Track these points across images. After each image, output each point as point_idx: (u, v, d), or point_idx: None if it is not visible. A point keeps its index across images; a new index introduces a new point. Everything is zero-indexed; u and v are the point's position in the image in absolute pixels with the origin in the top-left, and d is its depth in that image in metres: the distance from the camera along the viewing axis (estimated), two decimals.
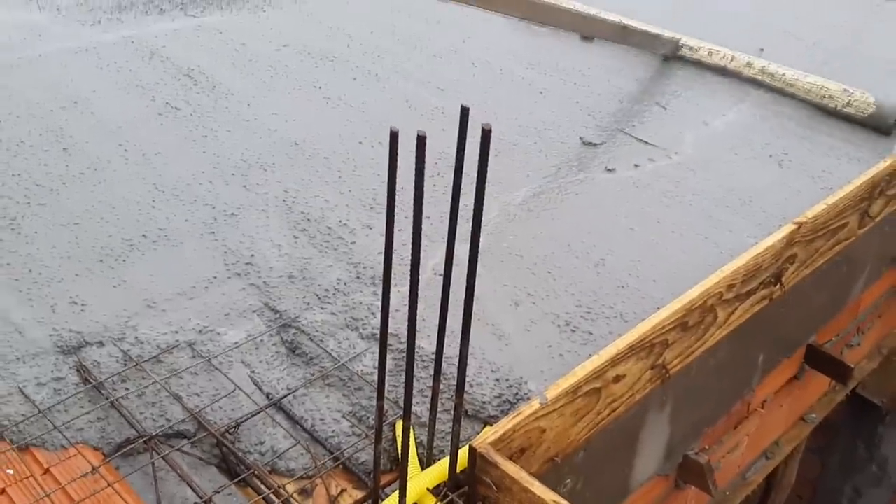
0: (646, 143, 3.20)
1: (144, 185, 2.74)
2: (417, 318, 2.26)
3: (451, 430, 1.84)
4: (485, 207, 2.68)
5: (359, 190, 2.78)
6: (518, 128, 3.29)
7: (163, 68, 3.48)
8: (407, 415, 1.68)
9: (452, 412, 1.78)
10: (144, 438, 1.92)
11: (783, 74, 3.66)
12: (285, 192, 2.75)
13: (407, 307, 2.23)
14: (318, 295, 2.34)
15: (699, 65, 3.83)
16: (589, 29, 3.76)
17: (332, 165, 2.92)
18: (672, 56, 3.90)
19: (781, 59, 4.01)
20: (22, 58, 3.48)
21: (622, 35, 3.85)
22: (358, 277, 2.40)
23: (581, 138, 3.20)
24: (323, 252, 2.50)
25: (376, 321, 2.24)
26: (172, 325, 2.22)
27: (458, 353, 1.75)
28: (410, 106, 3.37)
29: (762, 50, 4.08)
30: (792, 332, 3.04)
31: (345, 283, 2.38)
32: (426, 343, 2.16)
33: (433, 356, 1.83)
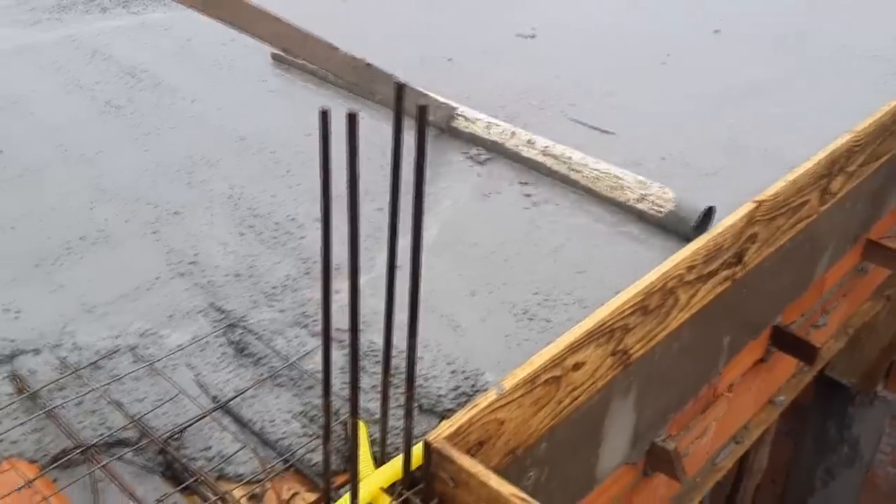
0: (601, 130, 3.14)
1: (84, 187, 2.63)
2: (371, 312, 2.20)
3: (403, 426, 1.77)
4: (438, 199, 2.63)
5: (308, 183, 2.70)
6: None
7: (104, 67, 3.37)
8: (354, 412, 1.60)
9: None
10: (82, 448, 1.82)
11: (569, 157, 2.81)
12: (231, 188, 2.66)
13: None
14: (265, 293, 2.25)
15: (473, 139, 3.04)
16: (315, 57, 2.92)
17: (281, 159, 2.82)
18: (446, 128, 3.10)
19: (737, 38, 3.99)
20: None
21: (364, 78, 2.96)
22: (307, 273, 2.32)
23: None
24: (271, 248, 2.41)
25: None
26: (113, 329, 2.12)
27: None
28: (356, 95, 3.28)
29: (718, 31, 4.06)
30: (757, 313, 3.01)
31: (294, 280, 2.29)
32: (380, 337, 2.08)
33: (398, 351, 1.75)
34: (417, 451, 1.76)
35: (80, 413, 1.90)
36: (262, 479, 1.81)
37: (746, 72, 3.70)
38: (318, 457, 1.86)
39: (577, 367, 2.08)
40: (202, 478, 1.78)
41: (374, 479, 1.74)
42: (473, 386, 2.00)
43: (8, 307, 2.14)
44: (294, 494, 1.80)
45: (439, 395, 1.99)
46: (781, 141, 3.11)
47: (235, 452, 1.85)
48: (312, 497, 1.80)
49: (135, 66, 3.40)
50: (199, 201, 2.60)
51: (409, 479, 1.76)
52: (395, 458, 1.78)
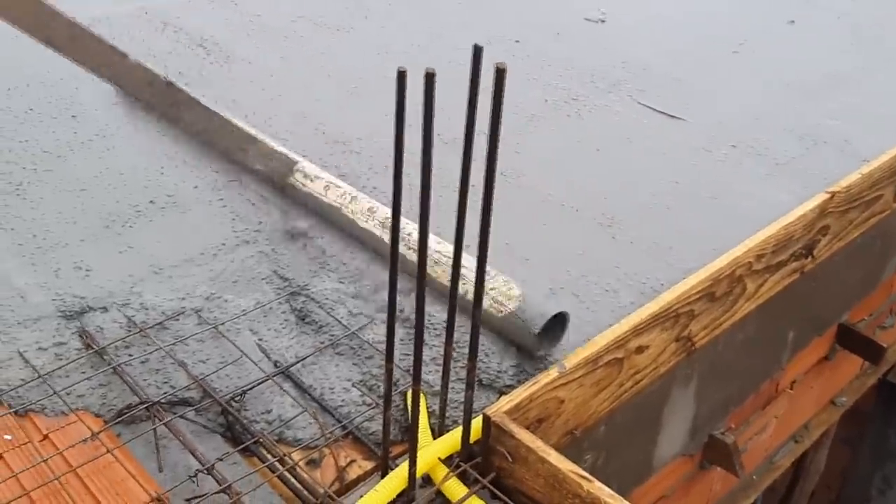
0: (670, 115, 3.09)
1: (153, 153, 2.67)
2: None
3: (464, 398, 1.76)
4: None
5: (374, 158, 2.70)
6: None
7: (175, 38, 3.41)
8: (416, 379, 1.59)
9: (465, 379, 1.70)
10: (147, 405, 1.84)
11: (409, 234, 2.19)
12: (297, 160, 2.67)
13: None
14: (329, 263, 2.25)
15: (311, 199, 2.43)
16: (101, 66, 2.50)
17: (346, 134, 2.83)
18: (280, 185, 2.51)
19: (812, 29, 3.89)
20: None
21: (164, 100, 2.55)
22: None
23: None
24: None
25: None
26: (179, 291, 2.15)
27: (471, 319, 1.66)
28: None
29: (793, 21, 3.97)
30: (824, 309, 2.93)
31: (360, 252, 2.29)
32: (439, 311, 2.07)
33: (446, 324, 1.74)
34: (476, 424, 1.75)
35: (144, 371, 1.93)
36: (320, 445, 1.81)
37: (822, 62, 3.61)
38: (375, 425, 1.87)
39: (640, 350, 2.05)
40: (261, 440, 1.80)
41: (433, 449, 1.73)
42: (535, 366, 1.98)
43: (79, 265, 2.18)
44: (351, 462, 1.81)
45: (499, 371, 1.97)
46: (857, 132, 3.03)
47: (295, 417, 1.86)
48: (369, 465, 1.81)
49: (205, 38, 3.44)
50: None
51: (468, 451, 1.75)
52: (453, 430, 1.78)
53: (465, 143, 1.46)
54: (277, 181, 2.52)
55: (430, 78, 1.29)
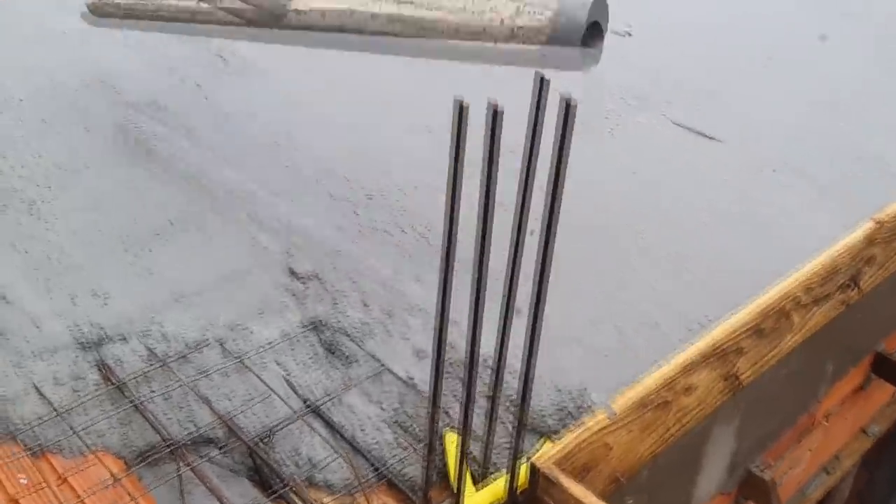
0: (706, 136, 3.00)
1: (170, 170, 2.56)
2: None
3: (504, 443, 1.66)
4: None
5: (403, 176, 2.60)
6: None
7: (192, 48, 3.30)
8: (466, 425, 1.49)
9: (509, 424, 1.60)
10: (171, 447, 1.74)
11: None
12: (314, 169, 2.57)
13: (459, 309, 2.05)
14: (359, 292, 2.14)
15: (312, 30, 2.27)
16: None
17: (372, 149, 2.73)
18: (277, 22, 2.29)
19: (844, 42, 3.81)
20: (47, 34, 3.31)
21: None
22: (401, 272, 2.21)
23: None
24: (369, 245, 2.30)
25: (418, 321, 2.04)
26: (201, 319, 2.04)
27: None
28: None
29: (824, 36, 3.87)
30: (863, 338, 2.84)
31: (388, 279, 2.19)
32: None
33: (488, 363, 1.63)
34: (521, 472, 1.65)
35: (167, 407, 1.83)
36: (354, 492, 1.71)
37: (857, 77, 3.52)
38: (412, 470, 1.76)
39: (688, 391, 1.95)
40: (293, 486, 1.69)
41: (476, 499, 1.63)
42: (578, 406, 1.87)
43: (96, 291, 2.07)
44: None
45: (542, 413, 1.86)
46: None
47: (326, 459, 1.75)
48: None
49: (222, 47, 3.33)
50: (293, 188, 2.51)
51: (513, 501, 1.65)
52: (497, 479, 1.67)
53: (525, 179, 1.36)
54: (272, 20, 2.29)
55: (495, 114, 1.19)
